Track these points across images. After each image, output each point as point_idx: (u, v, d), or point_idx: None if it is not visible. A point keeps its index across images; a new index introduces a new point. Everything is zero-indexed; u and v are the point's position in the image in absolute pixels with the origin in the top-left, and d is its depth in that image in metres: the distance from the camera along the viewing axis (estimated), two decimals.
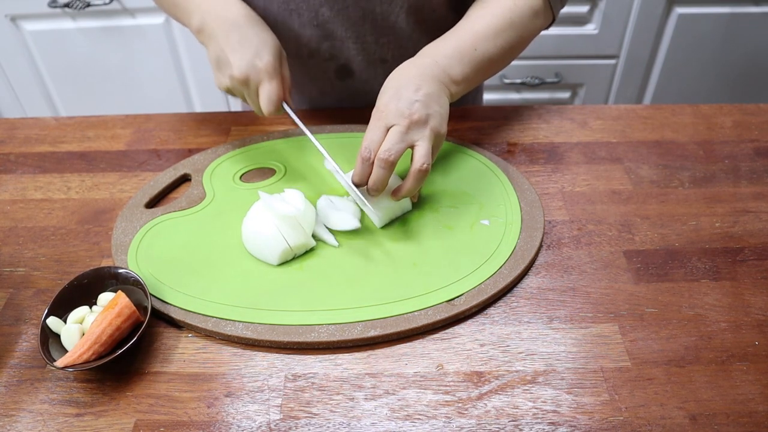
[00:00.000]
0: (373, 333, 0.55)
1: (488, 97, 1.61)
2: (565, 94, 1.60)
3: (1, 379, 0.54)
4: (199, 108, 1.64)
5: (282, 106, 0.67)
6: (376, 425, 0.50)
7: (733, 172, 0.73)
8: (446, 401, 0.51)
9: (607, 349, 0.55)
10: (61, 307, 0.56)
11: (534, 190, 0.70)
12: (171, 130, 0.83)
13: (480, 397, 0.51)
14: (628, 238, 0.65)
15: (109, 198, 0.73)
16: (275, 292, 0.59)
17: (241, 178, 0.74)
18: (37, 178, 0.76)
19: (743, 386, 0.51)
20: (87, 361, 0.52)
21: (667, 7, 1.41)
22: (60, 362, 0.51)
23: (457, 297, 0.58)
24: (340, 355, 0.55)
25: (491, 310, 0.58)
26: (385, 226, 0.66)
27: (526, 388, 0.52)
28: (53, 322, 0.55)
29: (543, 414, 0.50)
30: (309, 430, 0.50)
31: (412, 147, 0.62)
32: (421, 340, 0.56)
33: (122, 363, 0.55)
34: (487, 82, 1.56)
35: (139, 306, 0.56)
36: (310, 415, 0.51)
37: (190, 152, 0.79)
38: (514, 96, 1.60)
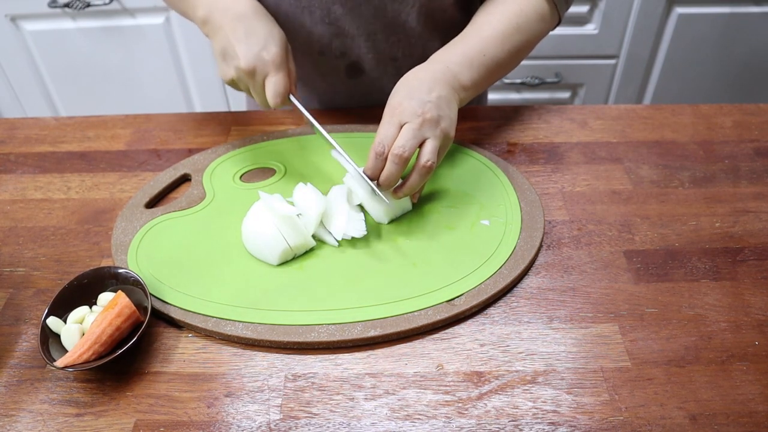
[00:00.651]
0: (373, 333, 0.55)
1: (488, 97, 1.60)
2: (565, 94, 1.60)
3: (1, 379, 0.54)
4: (199, 108, 1.64)
5: (288, 98, 0.67)
6: (376, 425, 0.50)
7: (733, 172, 0.73)
8: (446, 401, 0.51)
9: (607, 349, 0.55)
10: (61, 307, 0.56)
11: (534, 190, 0.70)
12: (171, 130, 0.83)
13: (480, 397, 0.51)
14: (628, 238, 0.65)
15: (109, 198, 0.73)
16: (275, 292, 0.59)
17: (241, 178, 0.74)
18: (37, 178, 0.76)
19: (743, 386, 0.51)
20: (87, 361, 0.52)
21: (667, 7, 1.41)
22: (60, 362, 0.51)
23: (457, 297, 0.58)
24: (340, 355, 0.55)
25: (491, 310, 0.58)
26: (385, 226, 0.66)
27: (526, 388, 0.52)
28: (53, 322, 0.55)
29: (543, 414, 0.50)
30: (309, 430, 0.50)
31: (420, 145, 0.62)
32: (421, 340, 0.56)
33: (122, 363, 0.55)
34: None
35: (139, 306, 0.56)
36: (310, 415, 0.51)
37: (190, 152, 0.79)
38: (514, 96, 1.60)
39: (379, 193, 0.63)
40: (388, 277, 0.60)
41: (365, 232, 0.63)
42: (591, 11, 1.43)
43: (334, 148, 0.66)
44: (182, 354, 0.56)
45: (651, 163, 0.75)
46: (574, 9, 1.42)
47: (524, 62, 1.51)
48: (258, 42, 0.65)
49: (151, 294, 0.57)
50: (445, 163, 0.74)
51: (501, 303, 0.59)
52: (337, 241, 0.64)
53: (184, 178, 0.75)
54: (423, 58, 0.83)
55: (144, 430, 0.50)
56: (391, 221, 0.66)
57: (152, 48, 1.50)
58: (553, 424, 0.49)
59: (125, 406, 0.52)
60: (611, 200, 0.70)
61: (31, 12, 1.44)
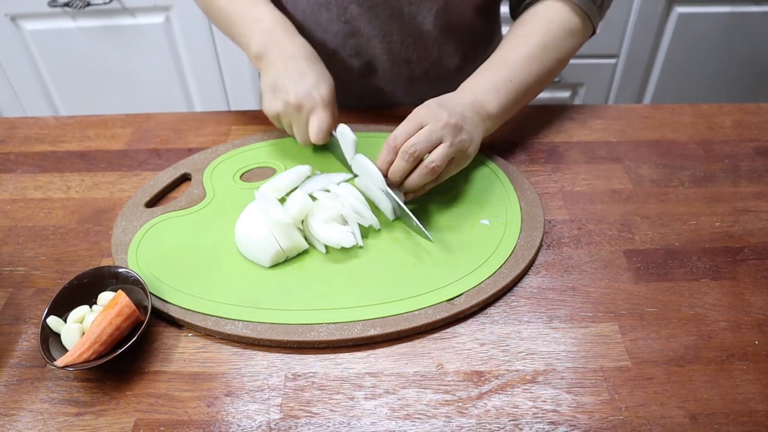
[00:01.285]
0: (373, 332, 0.55)
1: None
2: (565, 94, 1.60)
3: (1, 378, 0.54)
4: (199, 108, 1.64)
5: (330, 135, 0.69)
6: (376, 424, 0.50)
7: (733, 171, 0.73)
8: (446, 400, 0.51)
9: (607, 348, 0.55)
10: (61, 307, 0.56)
11: (534, 189, 0.70)
12: (171, 130, 0.83)
13: (480, 397, 0.51)
14: (628, 238, 0.65)
15: (109, 197, 0.73)
16: (275, 292, 0.59)
17: (241, 177, 0.74)
18: (37, 177, 0.76)
19: (743, 386, 0.51)
20: (87, 361, 0.52)
21: (667, 7, 1.41)
22: (60, 361, 0.51)
23: (458, 296, 0.58)
24: (340, 355, 0.55)
25: (491, 310, 0.58)
26: (385, 226, 0.66)
27: (526, 387, 0.52)
28: (53, 321, 0.55)
29: (543, 413, 0.50)
30: (309, 429, 0.50)
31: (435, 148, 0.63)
32: (421, 339, 0.56)
33: (122, 362, 0.55)
34: None
35: (139, 305, 0.56)
36: (310, 414, 0.51)
37: (190, 151, 0.79)
38: None
39: (394, 195, 0.63)
40: (388, 277, 0.60)
41: (354, 243, 0.62)
42: None
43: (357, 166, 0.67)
44: (182, 353, 0.56)
45: (651, 163, 0.75)
46: None
47: None
48: (309, 81, 0.68)
49: (151, 293, 0.57)
50: None
51: (501, 302, 0.59)
52: (325, 247, 0.64)
53: (184, 178, 0.75)
54: (438, 62, 0.84)
55: (144, 429, 0.50)
56: (395, 219, 0.66)
57: (152, 47, 1.50)
58: (553, 423, 0.49)
59: (125, 405, 0.52)
60: (611, 200, 0.70)
61: (31, 11, 1.44)
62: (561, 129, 0.81)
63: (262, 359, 0.55)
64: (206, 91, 1.60)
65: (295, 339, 0.55)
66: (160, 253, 0.64)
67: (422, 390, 0.52)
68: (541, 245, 0.64)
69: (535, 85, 0.73)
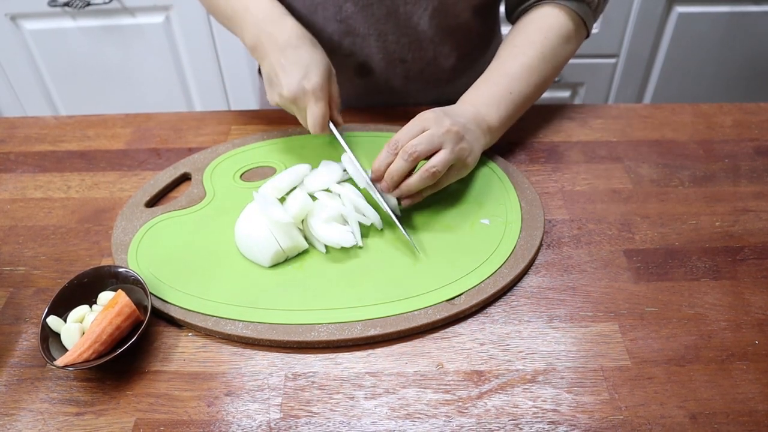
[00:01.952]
0: (373, 332, 0.55)
1: None
2: (565, 93, 1.60)
3: (1, 378, 0.54)
4: (199, 107, 1.64)
5: (328, 126, 0.69)
6: (376, 424, 0.50)
7: (733, 171, 0.73)
8: (446, 400, 0.51)
9: (607, 348, 0.55)
10: (62, 306, 0.56)
11: (534, 189, 0.70)
12: (171, 129, 0.83)
13: (480, 396, 0.51)
14: (628, 237, 0.65)
15: (109, 197, 0.73)
16: (275, 291, 0.59)
17: (241, 177, 0.74)
18: (37, 177, 0.76)
19: (743, 385, 0.51)
20: (87, 360, 0.52)
21: (667, 7, 1.41)
22: (60, 361, 0.51)
23: (458, 296, 0.58)
24: (340, 354, 0.55)
25: (491, 309, 0.58)
26: (385, 226, 0.66)
27: (526, 387, 0.52)
28: (53, 321, 0.55)
29: (543, 413, 0.50)
30: (309, 429, 0.50)
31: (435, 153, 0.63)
32: (421, 339, 0.56)
33: (122, 362, 0.55)
34: None
35: (139, 305, 0.56)
36: (310, 414, 0.51)
37: (190, 151, 0.79)
38: None
39: (383, 200, 0.63)
40: (388, 276, 0.60)
41: (354, 243, 0.62)
42: None
43: (346, 153, 0.67)
44: (182, 353, 0.56)
45: (651, 162, 0.75)
46: None
47: None
48: (299, 71, 0.67)
49: (151, 293, 0.57)
50: None
51: (501, 302, 0.59)
52: (325, 247, 0.64)
53: (184, 177, 0.75)
54: (433, 62, 0.83)
55: (144, 429, 0.50)
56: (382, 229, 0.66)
57: (152, 47, 1.50)
58: (553, 423, 0.49)
59: (125, 405, 0.52)
60: (611, 199, 0.70)
61: (31, 11, 1.44)
62: (561, 129, 0.81)
63: (262, 359, 0.55)
64: (206, 91, 1.60)
65: (295, 339, 0.55)
66: (160, 253, 0.64)
67: (422, 390, 0.52)
68: (541, 245, 0.64)
69: (534, 95, 0.73)
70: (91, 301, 0.58)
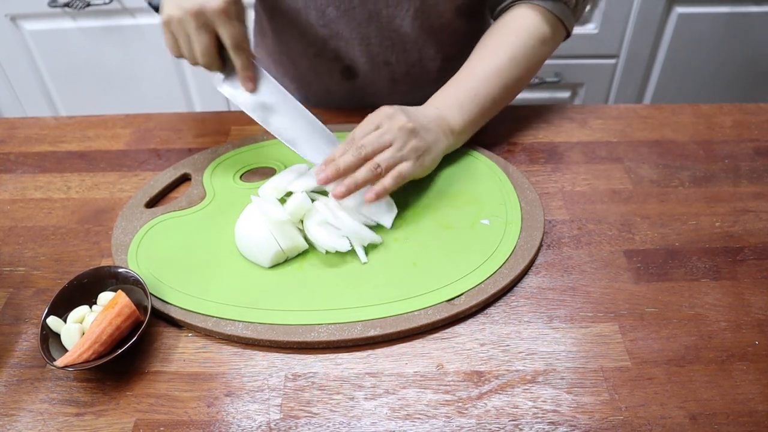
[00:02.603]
0: (373, 332, 0.55)
1: None
2: (565, 94, 1.60)
3: (1, 378, 0.54)
4: (199, 108, 1.64)
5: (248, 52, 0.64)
6: (376, 425, 0.50)
7: (733, 171, 0.73)
8: (446, 401, 0.51)
9: (607, 348, 0.55)
10: (61, 307, 0.56)
11: (534, 189, 0.70)
12: (171, 130, 0.83)
13: (480, 397, 0.51)
14: (628, 238, 0.65)
15: (109, 197, 0.73)
16: (275, 292, 0.59)
17: (241, 177, 0.74)
18: (37, 177, 0.76)
19: (743, 386, 0.51)
20: (87, 361, 0.52)
21: (667, 7, 1.41)
22: (60, 362, 0.51)
23: (457, 296, 0.58)
24: (340, 355, 0.55)
25: (491, 310, 0.58)
26: (385, 227, 0.66)
27: (526, 387, 0.52)
28: (53, 321, 0.55)
29: (543, 413, 0.50)
30: (309, 429, 0.50)
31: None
32: (421, 339, 0.56)
33: (122, 362, 0.55)
34: None
35: (139, 305, 0.56)
36: (310, 414, 0.51)
37: (190, 152, 0.79)
38: None
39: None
40: (388, 277, 0.60)
41: (349, 248, 0.62)
42: (591, 11, 1.43)
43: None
44: (182, 353, 0.56)
45: (651, 163, 0.75)
46: None
47: None
48: None
49: (151, 293, 0.57)
50: (444, 162, 0.73)
51: (501, 302, 0.59)
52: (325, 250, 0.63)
53: (184, 178, 0.75)
54: (418, 64, 0.83)
55: (144, 429, 0.50)
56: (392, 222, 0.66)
57: (152, 48, 1.50)
58: (553, 423, 0.49)
59: (125, 405, 0.52)
60: (611, 200, 0.70)
61: (31, 12, 1.44)
62: (561, 129, 0.81)
63: (262, 359, 0.55)
64: (206, 91, 1.60)
65: (295, 339, 0.55)
66: (160, 253, 0.64)
67: (422, 390, 0.52)
68: (541, 245, 0.64)
69: (504, 97, 0.73)
70: (91, 301, 0.57)
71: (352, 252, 0.63)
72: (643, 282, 0.60)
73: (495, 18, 0.78)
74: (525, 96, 1.59)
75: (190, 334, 0.57)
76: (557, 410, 0.50)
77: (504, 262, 0.61)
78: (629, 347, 0.55)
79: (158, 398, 0.52)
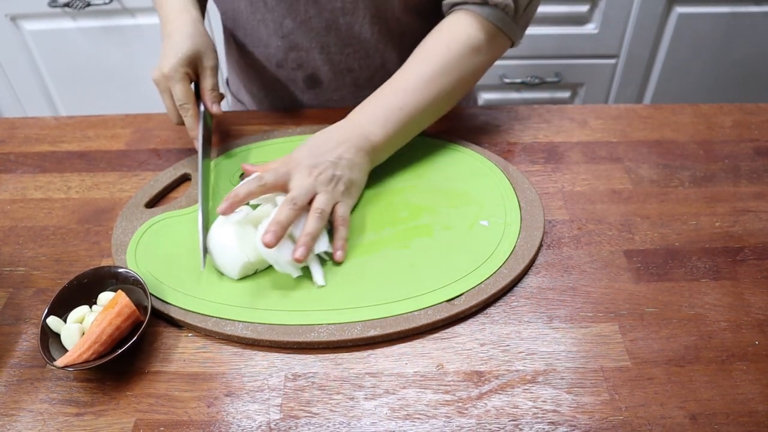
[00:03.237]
0: (373, 333, 0.55)
1: (488, 96, 1.61)
2: (565, 94, 1.60)
3: (1, 378, 0.54)
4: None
5: (193, 107, 0.70)
6: (376, 425, 0.50)
7: (733, 171, 0.73)
8: (446, 401, 0.51)
9: (607, 348, 0.55)
10: (61, 307, 0.56)
11: (534, 189, 0.70)
12: (171, 130, 0.83)
13: (480, 397, 0.51)
14: (628, 238, 0.65)
15: (109, 197, 0.73)
16: (275, 292, 0.59)
17: (240, 177, 0.74)
18: (37, 177, 0.76)
19: (743, 386, 0.51)
20: (87, 361, 0.52)
21: (667, 7, 1.41)
22: (60, 362, 0.51)
23: (457, 296, 0.58)
24: (340, 355, 0.55)
25: (491, 310, 0.58)
26: (385, 228, 0.66)
27: (526, 387, 0.52)
28: (53, 321, 0.55)
29: (543, 413, 0.50)
30: (309, 429, 0.50)
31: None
32: (421, 339, 0.56)
33: (122, 362, 0.55)
34: (487, 82, 1.56)
35: (139, 305, 0.56)
36: (310, 414, 0.51)
37: (190, 152, 0.79)
38: (514, 96, 1.60)
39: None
40: (388, 277, 0.60)
41: (298, 275, 0.60)
42: (591, 11, 1.43)
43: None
44: (182, 353, 0.56)
45: (651, 163, 0.75)
46: (574, 9, 1.42)
47: (524, 62, 1.52)
48: (162, 58, 0.69)
49: (150, 294, 0.57)
50: (443, 163, 0.74)
51: (501, 302, 0.59)
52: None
53: (185, 178, 0.75)
54: (381, 68, 0.83)
55: (144, 429, 0.50)
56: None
57: (152, 48, 1.50)
58: (553, 423, 0.49)
59: (125, 405, 0.52)
60: (611, 200, 0.70)
61: (31, 12, 1.44)
62: (561, 129, 0.81)
63: (262, 359, 0.55)
64: None
65: (295, 339, 0.55)
66: (160, 253, 0.64)
67: (422, 390, 0.52)
68: (541, 245, 0.64)
69: (434, 108, 0.70)
70: (91, 301, 0.58)
71: (351, 252, 0.63)
72: (643, 282, 0.60)
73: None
74: (525, 96, 1.60)
75: (190, 334, 0.57)
76: (557, 410, 0.50)
77: (504, 262, 0.61)
78: (629, 347, 0.55)
79: (158, 398, 0.52)
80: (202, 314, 0.57)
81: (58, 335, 0.55)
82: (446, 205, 0.68)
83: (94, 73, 1.55)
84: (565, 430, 0.49)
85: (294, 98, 0.87)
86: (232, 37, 0.87)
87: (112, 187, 0.74)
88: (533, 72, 1.54)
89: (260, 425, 0.50)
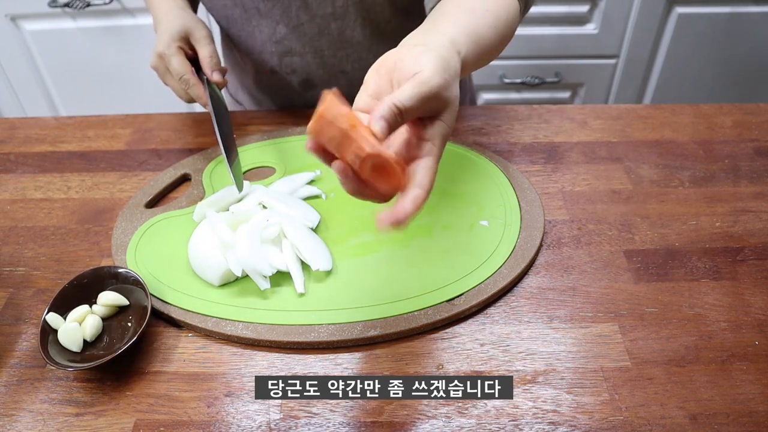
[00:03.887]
0: (373, 333, 0.55)
1: (488, 97, 1.61)
2: (565, 94, 1.60)
3: (1, 378, 0.54)
4: (199, 108, 1.63)
5: (195, 76, 0.73)
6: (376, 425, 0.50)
7: (733, 171, 0.73)
8: (446, 401, 0.51)
9: (607, 348, 0.55)
10: (61, 307, 0.56)
11: (534, 189, 0.70)
12: (171, 130, 0.83)
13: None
14: (628, 238, 0.65)
15: (109, 198, 0.73)
16: (275, 292, 0.59)
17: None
18: (37, 177, 0.76)
19: (743, 386, 0.51)
20: (88, 360, 0.52)
21: (667, 7, 1.41)
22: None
23: (458, 296, 0.58)
24: (341, 355, 0.55)
25: (491, 310, 0.58)
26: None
27: (526, 387, 0.52)
28: (53, 318, 0.55)
29: (543, 414, 0.50)
30: (309, 429, 0.50)
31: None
32: (421, 339, 0.56)
33: (122, 362, 0.55)
34: (487, 82, 1.56)
35: (139, 305, 0.56)
36: (310, 414, 0.51)
37: (190, 152, 0.79)
38: (514, 96, 1.60)
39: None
40: (388, 277, 0.60)
41: (267, 287, 0.59)
42: (591, 11, 1.43)
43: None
44: (182, 354, 0.56)
45: (651, 163, 0.75)
46: (574, 9, 1.42)
47: (524, 62, 1.52)
48: (157, 42, 0.72)
49: (151, 294, 0.57)
50: (444, 163, 0.73)
51: (501, 303, 0.59)
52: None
53: (184, 178, 0.75)
54: None
55: (144, 429, 0.50)
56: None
57: (152, 48, 1.50)
58: (553, 423, 0.49)
59: (125, 405, 0.52)
60: (611, 200, 0.70)
61: (31, 12, 1.44)
62: (561, 129, 0.81)
63: (262, 359, 0.55)
64: None
65: (295, 340, 0.55)
66: (160, 253, 0.64)
67: None
68: (541, 245, 0.64)
69: (495, 48, 0.57)
70: (91, 301, 0.58)
71: (351, 252, 0.63)
72: (643, 282, 0.60)
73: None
74: (525, 96, 1.59)
75: (190, 334, 0.57)
76: (557, 410, 0.50)
77: (504, 263, 0.61)
78: (629, 347, 0.55)
79: (158, 398, 0.52)
80: (202, 314, 0.57)
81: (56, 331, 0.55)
82: (446, 205, 0.68)
83: (94, 73, 1.55)
84: (565, 430, 0.49)
85: (290, 101, 0.88)
86: (228, 39, 0.88)
87: (112, 187, 0.74)
88: (533, 72, 1.54)
89: (260, 425, 0.50)
